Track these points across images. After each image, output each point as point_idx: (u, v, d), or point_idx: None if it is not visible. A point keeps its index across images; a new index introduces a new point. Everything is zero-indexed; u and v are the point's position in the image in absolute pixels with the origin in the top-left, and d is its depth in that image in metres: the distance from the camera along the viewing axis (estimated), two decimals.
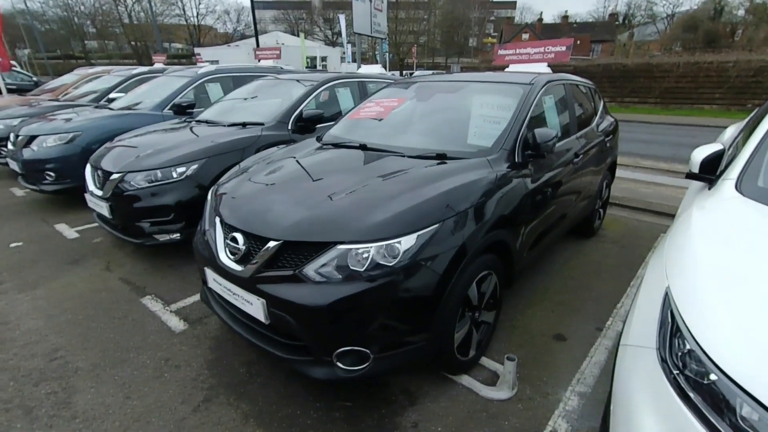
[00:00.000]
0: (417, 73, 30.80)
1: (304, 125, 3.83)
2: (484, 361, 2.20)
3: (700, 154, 1.98)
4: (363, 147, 2.50)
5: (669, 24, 45.89)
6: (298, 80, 4.41)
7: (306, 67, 32.22)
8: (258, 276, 1.70)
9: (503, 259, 2.18)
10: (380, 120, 2.89)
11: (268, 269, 1.69)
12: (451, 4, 51.86)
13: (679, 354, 1.10)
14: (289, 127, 3.81)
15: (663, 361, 1.12)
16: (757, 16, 37.95)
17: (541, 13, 54.52)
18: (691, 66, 17.12)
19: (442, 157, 2.22)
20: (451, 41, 52.54)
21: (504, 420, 1.84)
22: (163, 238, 3.06)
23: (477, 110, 2.64)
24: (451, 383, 2.04)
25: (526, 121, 2.45)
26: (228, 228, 1.91)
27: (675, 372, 1.08)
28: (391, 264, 1.60)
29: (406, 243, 1.63)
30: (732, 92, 16.27)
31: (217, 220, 1.99)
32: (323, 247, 1.63)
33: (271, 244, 1.69)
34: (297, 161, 2.43)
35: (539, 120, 2.69)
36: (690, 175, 2.00)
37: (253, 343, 1.83)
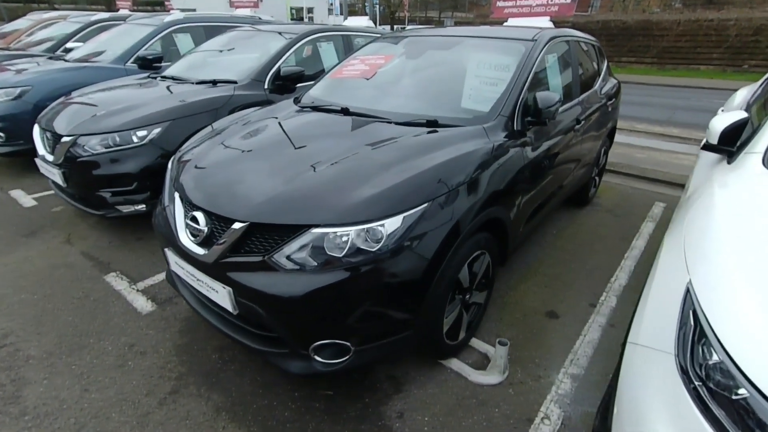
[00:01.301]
0: (409, 27, 29.08)
1: (283, 84, 3.47)
2: (475, 342, 2.09)
3: (720, 123, 1.77)
4: (345, 111, 2.22)
5: None
6: (276, 32, 3.98)
7: (291, 19, 30.29)
8: (223, 262, 1.49)
9: (497, 237, 2.01)
10: (365, 80, 2.58)
11: (234, 254, 1.48)
12: None
13: (704, 364, 0.95)
14: (266, 86, 3.45)
15: (682, 370, 0.98)
16: None
17: None
18: (692, 24, 16.53)
19: (433, 125, 1.96)
20: None
21: (494, 407, 1.75)
22: (126, 209, 2.79)
23: (473, 70, 2.35)
24: (439, 368, 1.93)
25: (527, 84, 2.19)
26: (188, 205, 1.67)
27: (697, 383, 0.94)
28: (373, 249, 1.40)
29: (391, 225, 1.42)
30: (730, 52, 15.87)
31: (177, 195, 1.75)
32: (296, 230, 1.41)
33: (237, 225, 1.47)
34: (267, 127, 2.15)
35: (541, 82, 2.42)
36: (708, 147, 1.80)
37: (224, 333, 1.65)
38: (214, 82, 3.37)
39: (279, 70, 3.49)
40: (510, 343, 1.90)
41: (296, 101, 2.59)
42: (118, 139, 2.72)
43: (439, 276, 1.57)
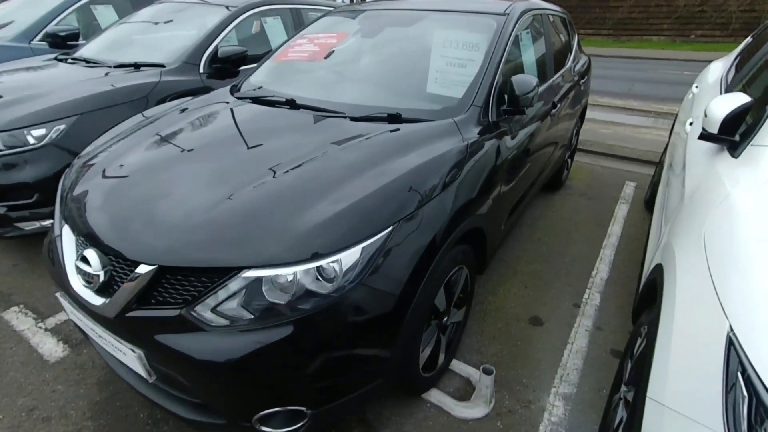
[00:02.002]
0: None
1: (222, 67, 2.98)
2: (455, 365, 1.84)
3: (720, 108, 1.54)
4: (291, 104, 1.83)
5: None
6: (215, 4, 3.41)
7: None
8: (128, 316, 1.12)
9: (476, 246, 1.74)
10: (315, 63, 2.18)
11: (143, 307, 1.11)
12: None
13: None
14: (201, 70, 2.95)
15: None
16: None
17: None
18: None
19: (395, 120, 1.63)
20: None
21: None
22: (30, 227, 2.29)
23: (439, 50, 2.01)
24: (417, 402, 1.67)
25: (500, 66, 1.89)
26: (79, 239, 1.27)
27: None
28: (326, 292, 1.08)
29: (347, 259, 1.10)
30: (679, 23, 16.27)
31: (65, 226, 1.33)
32: (223, 273, 1.06)
33: (142, 269, 1.09)
34: (190, 128, 1.73)
35: (516, 63, 2.13)
36: (706, 137, 1.58)
37: (145, 397, 1.30)
38: (137, 66, 2.83)
39: (217, 49, 2.99)
40: (495, 369, 1.67)
41: (233, 90, 2.16)
42: (8, 139, 2.19)
43: (413, 309, 1.27)
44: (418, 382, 1.57)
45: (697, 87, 2.79)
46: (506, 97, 1.83)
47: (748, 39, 2.80)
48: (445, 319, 1.64)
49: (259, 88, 2.11)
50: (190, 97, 2.20)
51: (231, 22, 3.17)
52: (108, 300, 1.15)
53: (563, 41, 3.03)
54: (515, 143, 1.96)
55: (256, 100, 1.94)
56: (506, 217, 2.07)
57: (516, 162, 1.99)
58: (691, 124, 2.12)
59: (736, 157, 1.44)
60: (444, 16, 2.27)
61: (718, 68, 2.79)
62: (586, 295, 2.36)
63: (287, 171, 1.30)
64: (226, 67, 2.97)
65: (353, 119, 1.64)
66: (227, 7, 3.24)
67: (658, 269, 1.31)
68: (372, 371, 1.27)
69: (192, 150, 1.51)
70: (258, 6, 3.37)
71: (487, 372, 1.61)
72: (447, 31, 2.13)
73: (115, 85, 2.56)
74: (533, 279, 2.49)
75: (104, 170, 1.46)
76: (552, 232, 3.03)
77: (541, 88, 2.36)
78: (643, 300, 1.49)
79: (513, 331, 2.07)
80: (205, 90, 2.62)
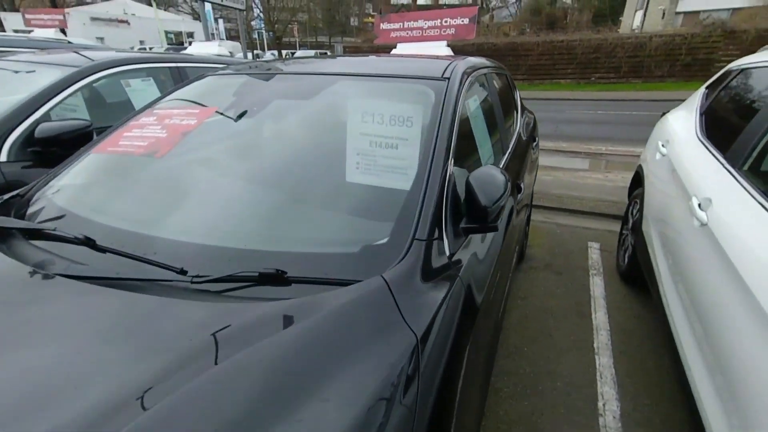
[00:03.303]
0: (299, 53, 27.80)
1: (44, 152, 2.04)
2: None
3: None
4: (89, 245, 0.96)
5: (518, 8, 50.74)
6: (54, 63, 2.48)
7: (169, 44, 26.96)
8: None
9: None
10: (152, 159, 1.35)
11: None
12: None
13: None
14: (4, 158, 1.97)
15: None
16: (580, 2, 44.91)
17: None
18: (548, 45, 18.51)
19: (278, 281, 0.84)
20: (333, 20, 50.01)
21: None
22: None
23: (354, 143, 1.29)
24: None
25: (449, 157, 1.21)
26: None
27: None
28: None
29: None
30: (580, 67, 18.07)
31: None
32: None
33: None
34: None
35: (468, 146, 1.48)
36: None
37: None
38: None
39: (34, 128, 2.04)
40: None
41: (2, 209, 1.24)
42: None
43: None
44: None
45: (664, 146, 2.37)
46: (463, 205, 1.15)
47: (704, 88, 2.49)
48: None
49: (49, 207, 1.21)
50: None
51: (66, 88, 2.26)
52: None
53: (510, 103, 2.53)
54: (483, 273, 1.24)
55: (33, 235, 1.04)
56: (481, 379, 1.31)
57: (487, 306, 1.27)
58: (700, 206, 1.58)
59: None
60: (360, 86, 1.59)
61: (681, 123, 2.42)
62: None
63: None
64: (52, 150, 2.03)
65: (195, 283, 0.84)
66: (65, 67, 2.34)
67: None
68: None
69: None
70: (115, 65, 2.51)
71: None
72: (364, 109, 1.43)
73: None
74: (521, 425, 1.73)
75: None
76: (529, 335, 2.35)
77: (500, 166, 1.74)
78: None
79: None
80: (7, 189, 1.64)
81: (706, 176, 1.68)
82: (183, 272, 0.88)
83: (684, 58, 15.42)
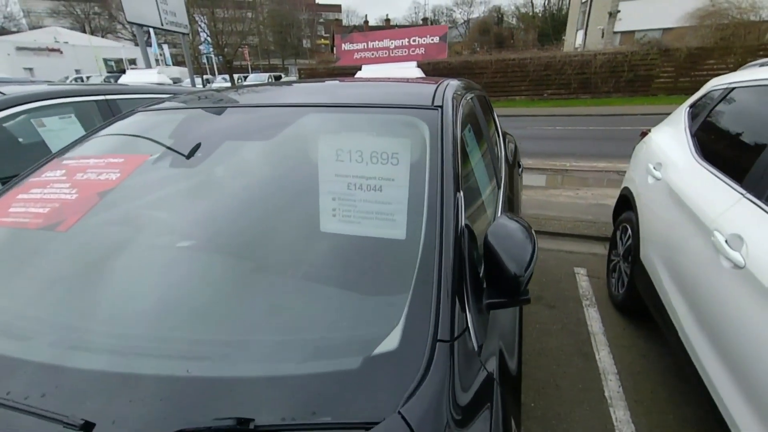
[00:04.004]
0: (252, 77, 27.02)
1: None
2: None
3: None
4: None
5: (467, 28, 53.21)
6: None
7: (109, 72, 25.56)
8: None
9: None
10: (57, 230, 0.97)
11: None
12: (278, 4, 49.13)
13: None
14: None
15: None
16: (524, 23, 47.91)
17: (366, 15, 56.92)
18: (501, 63, 19.25)
19: None
20: (285, 42, 49.93)
21: None
22: None
23: (328, 198, 1.00)
24: None
25: (460, 205, 0.95)
26: None
27: None
28: None
29: None
30: (533, 84, 18.86)
31: None
32: None
33: None
34: None
35: (470, 189, 1.22)
36: None
37: None
38: None
39: None
40: None
41: None
42: None
43: None
44: None
45: (656, 169, 2.23)
46: (481, 273, 0.88)
47: (687, 108, 2.41)
48: None
49: None
50: None
51: None
52: None
53: (494, 128, 2.32)
54: (513, 359, 0.97)
55: None
56: None
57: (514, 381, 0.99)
58: (727, 243, 1.40)
59: None
60: (335, 120, 1.30)
61: (671, 144, 2.30)
62: None
63: None
64: None
65: None
66: None
67: None
68: None
69: None
70: (23, 101, 2.06)
71: None
72: (343, 145, 1.13)
73: None
74: None
75: None
76: (534, 386, 2.09)
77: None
78: None
79: None
80: None
81: (725, 208, 1.51)
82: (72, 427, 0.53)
83: (627, 75, 16.45)
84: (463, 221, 0.93)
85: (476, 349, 0.79)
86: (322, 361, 0.73)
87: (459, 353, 0.72)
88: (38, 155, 2.07)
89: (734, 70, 2.17)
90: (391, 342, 0.73)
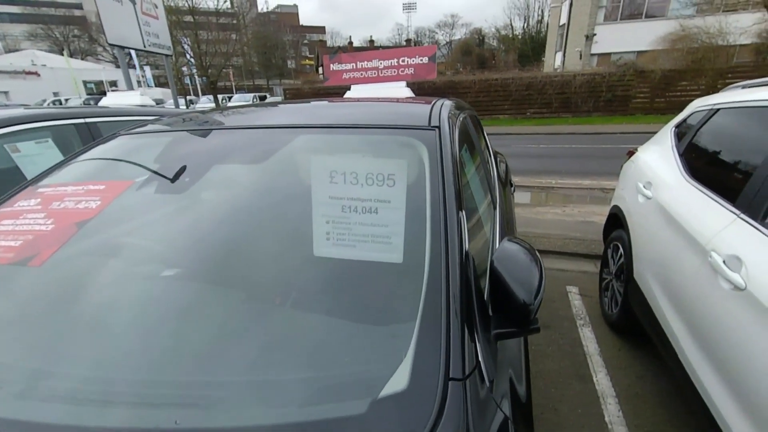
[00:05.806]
0: (236, 97, 27.01)
1: None
2: None
3: None
4: None
5: (450, 49, 54.87)
6: None
7: (89, 95, 25.22)
8: None
9: None
10: (30, 265, 0.90)
11: None
12: (261, 25, 49.82)
13: None
14: None
15: None
16: (505, 44, 49.70)
17: (350, 36, 58.15)
18: (484, 83, 19.76)
19: None
20: (270, 63, 50.37)
21: None
22: None
23: (321, 221, 0.96)
24: None
25: (464, 228, 0.92)
26: None
27: None
28: None
29: None
30: (516, 103, 19.36)
31: None
32: None
33: None
34: None
35: (470, 213, 1.19)
36: None
37: None
38: None
39: None
40: None
41: None
42: None
43: None
44: None
45: (646, 188, 2.26)
46: (487, 301, 0.84)
47: (673, 128, 2.47)
48: None
49: None
50: None
51: None
52: None
53: (487, 148, 2.33)
54: (522, 388, 0.92)
55: None
56: None
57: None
58: (725, 264, 1.39)
59: None
60: (335, 141, 1.27)
61: (660, 164, 2.34)
62: None
63: None
64: None
65: None
66: None
67: None
68: None
69: None
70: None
71: None
72: (335, 171, 1.09)
73: None
74: None
75: None
76: (533, 410, 2.02)
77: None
78: None
79: None
80: None
81: (720, 228, 1.51)
82: None
83: (605, 95, 17.04)
84: (467, 243, 0.89)
85: (488, 385, 0.74)
86: (326, 405, 0.67)
87: (471, 392, 0.67)
88: (12, 183, 1.97)
89: (706, 91, 2.24)
90: (399, 381, 0.67)
